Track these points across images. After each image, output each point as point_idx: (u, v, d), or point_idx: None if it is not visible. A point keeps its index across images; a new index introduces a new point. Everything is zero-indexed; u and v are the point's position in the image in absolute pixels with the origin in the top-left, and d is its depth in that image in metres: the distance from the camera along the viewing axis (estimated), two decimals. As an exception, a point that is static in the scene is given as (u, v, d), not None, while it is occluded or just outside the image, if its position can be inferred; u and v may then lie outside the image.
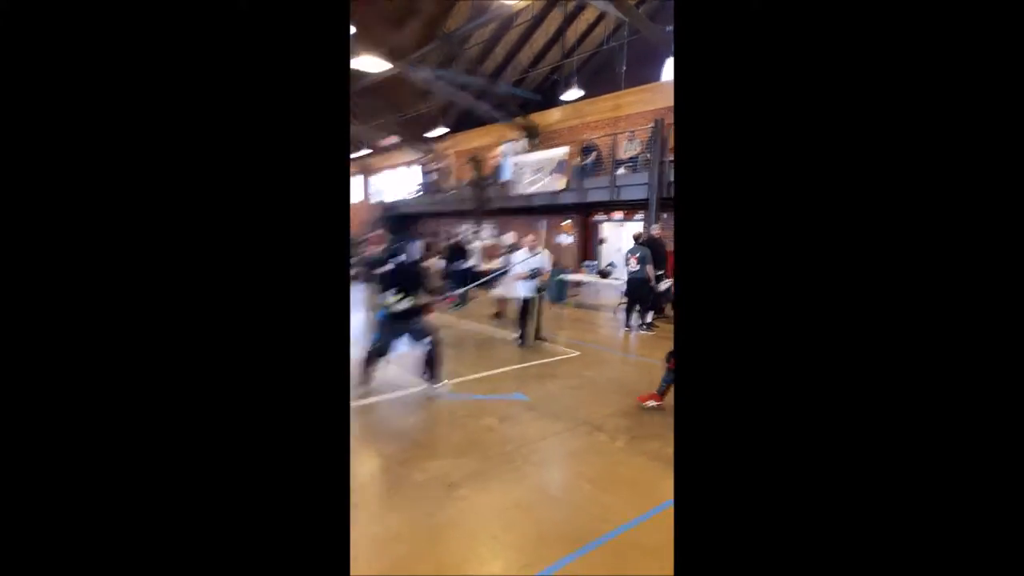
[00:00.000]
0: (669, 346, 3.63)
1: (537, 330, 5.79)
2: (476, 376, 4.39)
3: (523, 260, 5.69)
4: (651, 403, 3.60)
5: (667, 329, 6.43)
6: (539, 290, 5.61)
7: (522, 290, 5.68)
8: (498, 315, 7.38)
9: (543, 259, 5.68)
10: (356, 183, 21.38)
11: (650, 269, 6.22)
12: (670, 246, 6.73)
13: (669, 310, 7.11)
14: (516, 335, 5.76)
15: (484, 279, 6.90)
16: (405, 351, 4.37)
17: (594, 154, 9.86)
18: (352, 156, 19.58)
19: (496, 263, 8.02)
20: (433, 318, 3.92)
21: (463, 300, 8.01)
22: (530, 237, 5.82)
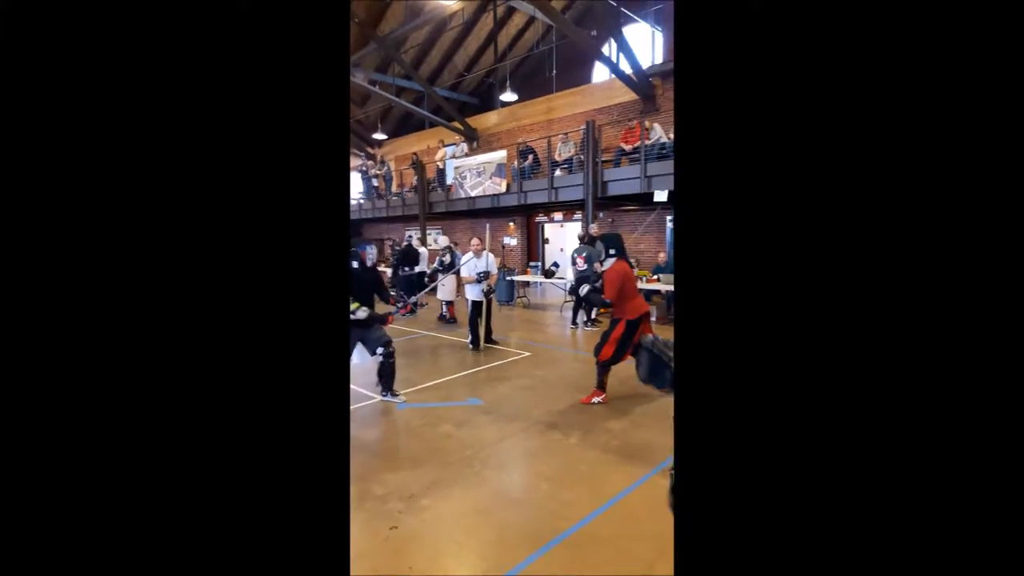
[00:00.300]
0: (614, 342, 3.80)
1: (488, 332, 5.85)
2: (430, 383, 4.40)
3: (467, 261, 5.75)
4: (596, 400, 3.76)
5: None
6: (487, 293, 5.68)
7: (471, 294, 5.73)
8: (444, 318, 7.39)
9: (489, 262, 5.75)
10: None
11: (598, 266, 6.43)
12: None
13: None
14: (468, 339, 5.80)
15: (432, 285, 6.89)
16: (357, 362, 4.31)
17: (531, 157, 10.03)
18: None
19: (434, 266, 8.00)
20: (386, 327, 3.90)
21: (415, 308, 7.96)
22: (475, 241, 5.87)
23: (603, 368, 3.75)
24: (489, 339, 5.86)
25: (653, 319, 3.94)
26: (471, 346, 5.73)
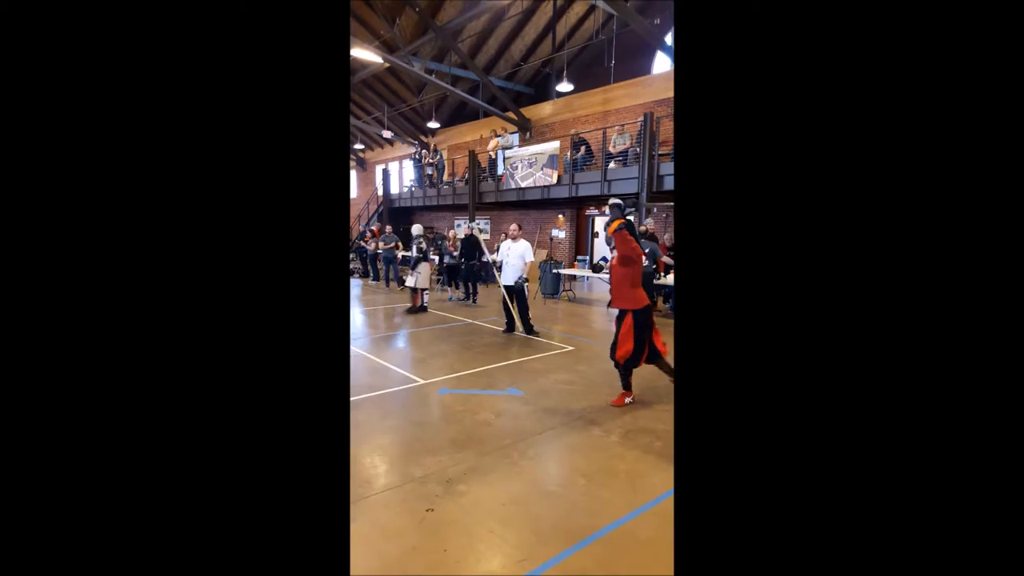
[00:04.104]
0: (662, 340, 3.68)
1: (527, 324, 5.88)
2: (471, 371, 4.42)
3: (509, 249, 5.93)
4: (628, 400, 3.63)
5: (660, 323, 6.50)
6: (518, 280, 5.85)
7: (503, 279, 5.98)
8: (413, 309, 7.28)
9: (514, 252, 5.92)
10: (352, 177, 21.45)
11: (660, 263, 6.35)
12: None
13: (659, 304, 7.18)
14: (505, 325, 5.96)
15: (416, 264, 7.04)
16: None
17: (584, 148, 9.86)
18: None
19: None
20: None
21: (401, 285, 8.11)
22: (513, 227, 6.13)
23: (625, 369, 3.61)
24: (530, 331, 5.85)
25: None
26: (505, 329, 6.03)
